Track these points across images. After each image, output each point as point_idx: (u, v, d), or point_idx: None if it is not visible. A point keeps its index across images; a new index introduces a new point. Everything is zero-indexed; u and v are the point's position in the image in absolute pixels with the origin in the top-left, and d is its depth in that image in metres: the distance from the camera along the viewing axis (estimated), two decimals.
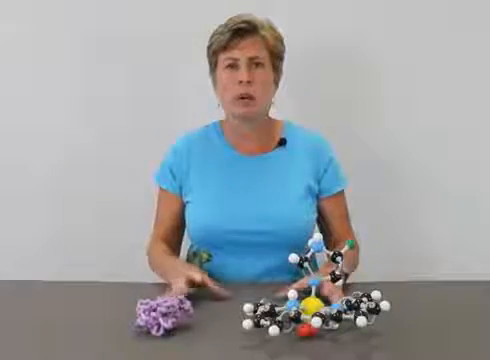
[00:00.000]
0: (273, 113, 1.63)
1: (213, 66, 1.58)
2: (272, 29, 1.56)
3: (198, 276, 1.32)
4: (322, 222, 1.63)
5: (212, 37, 1.56)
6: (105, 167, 1.97)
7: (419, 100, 1.92)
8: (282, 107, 1.62)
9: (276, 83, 1.60)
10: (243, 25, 1.51)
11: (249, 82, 1.50)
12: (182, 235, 1.66)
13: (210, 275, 1.42)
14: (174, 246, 1.63)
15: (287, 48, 1.60)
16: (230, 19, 1.54)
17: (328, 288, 1.23)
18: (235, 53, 1.51)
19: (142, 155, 1.92)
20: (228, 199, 1.55)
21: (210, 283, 1.34)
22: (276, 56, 1.56)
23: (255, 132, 1.60)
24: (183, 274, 1.34)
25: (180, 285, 1.30)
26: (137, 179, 1.89)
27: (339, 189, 1.62)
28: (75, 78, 1.95)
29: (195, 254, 1.53)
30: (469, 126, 1.92)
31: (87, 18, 1.92)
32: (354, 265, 1.57)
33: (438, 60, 1.90)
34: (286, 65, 1.62)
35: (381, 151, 1.95)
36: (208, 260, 1.46)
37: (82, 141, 1.97)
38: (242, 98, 1.51)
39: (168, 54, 1.91)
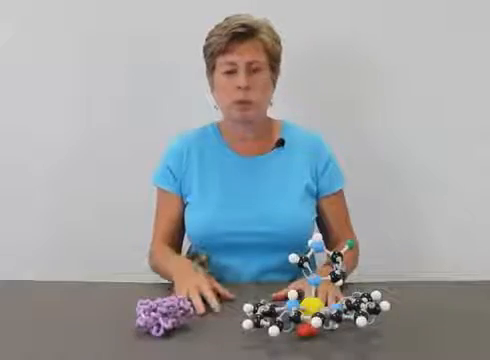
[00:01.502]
0: (271, 113, 1.63)
1: (210, 68, 1.57)
2: (270, 30, 1.55)
3: (207, 289, 1.28)
4: (321, 222, 1.63)
5: (209, 38, 1.54)
6: (105, 167, 1.97)
7: (418, 100, 1.92)
8: (281, 107, 1.62)
9: (274, 84, 1.59)
10: (242, 29, 1.49)
11: (247, 87, 1.49)
12: (183, 235, 1.65)
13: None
14: (175, 247, 1.62)
15: (286, 48, 1.60)
16: (227, 20, 1.52)
17: (322, 289, 1.21)
18: (234, 57, 1.50)
19: (142, 155, 1.92)
20: (227, 200, 1.54)
21: (220, 289, 1.33)
22: (274, 58, 1.56)
23: (253, 133, 1.59)
24: (194, 286, 1.29)
25: (198, 303, 1.24)
26: (137, 179, 1.88)
27: (337, 188, 1.61)
28: (75, 78, 1.95)
29: (193, 256, 1.52)
30: (469, 125, 1.92)
31: (87, 18, 1.92)
32: (354, 264, 1.57)
33: (438, 60, 1.90)
34: (285, 65, 1.62)
35: (380, 151, 1.95)
36: (206, 262, 1.46)
37: (82, 141, 1.97)
38: (240, 102, 1.50)
39: (168, 54, 1.91)
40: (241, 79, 1.49)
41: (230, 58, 1.50)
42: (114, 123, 1.96)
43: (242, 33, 1.49)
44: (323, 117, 1.90)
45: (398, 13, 1.89)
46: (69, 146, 1.98)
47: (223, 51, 1.51)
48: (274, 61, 1.56)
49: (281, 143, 1.60)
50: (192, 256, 1.55)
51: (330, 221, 1.61)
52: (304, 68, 1.90)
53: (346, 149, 1.81)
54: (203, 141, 1.62)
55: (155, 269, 1.56)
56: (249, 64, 1.50)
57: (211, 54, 1.54)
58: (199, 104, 1.80)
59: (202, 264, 1.45)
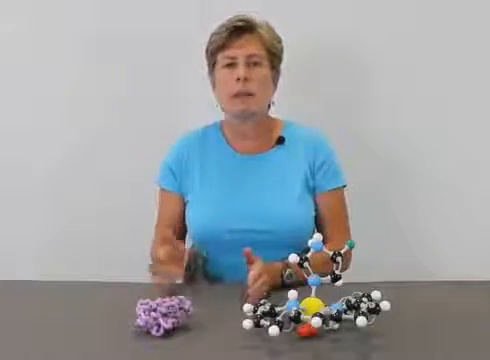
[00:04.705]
0: (273, 112, 1.63)
1: (211, 66, 1.59)
2: (270, 29, 1.57)
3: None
4: (317, 219, 1.62)
5: (211, 37, 1.57)
6: (105, 167, 1.97)
7: (420, 100, 1.92)
8: (283, 107, 1.62)
9: (275, 83, 1.60)
10: (241, 23, 1.52)
11: (247, 79, 1.51)
12: (185, 234, 1.65)
13: (210, 275, 1.44)
14: None
15: (287, 48, 1.61)
16: (228, 19, 1.55)
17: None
18: (233, 51, 1.52)
19: (142, 155, 1.92)
20: (228, 198, 1.55)
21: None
22: (274, 54, 1.57)
23: (254, 131, 1.60)
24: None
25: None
26: (137, 179, 1.90)
27: (334, 186, 1.60)
28: (75, 78, 1.95)
29: (194, 255, 1.52)
30: (469, 126, 1.92)
31: (87, 18, 1.92)
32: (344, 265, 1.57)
33: (436, 60, 1.89)
34: (286, 65, 1.62)
35: (382, 151, 1.95)
36: (205, 260, 1.47)
37: (82, 141, 1.97)
38: (240, 95, 1.51)
39: (168, 54, 1.91)
40: (240, 71, 1.51)
41: (230, 53, 1.53)
42: (114, 123, 1.96)
43: (241, 27, 1.52)
44: (325, 116, 1.90)
45: (401, 12, 1.88)
46: (69, 146, 1.98)
47: (223, 47, 1.53)
48: (274, 57, 1.57)
49: (281, 141, 1.61)
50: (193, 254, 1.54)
51: (323, 218, 1.60)
52: (307, 67, 1.90)
53: (347, 149, 1.81)
54: (204, 140, 1.63)
55: None
56: (248, 57, 1.52)
57: (212, 51, 1.56)
58: (198, 105, 1.81)
59: (202, 262, 1.46)
